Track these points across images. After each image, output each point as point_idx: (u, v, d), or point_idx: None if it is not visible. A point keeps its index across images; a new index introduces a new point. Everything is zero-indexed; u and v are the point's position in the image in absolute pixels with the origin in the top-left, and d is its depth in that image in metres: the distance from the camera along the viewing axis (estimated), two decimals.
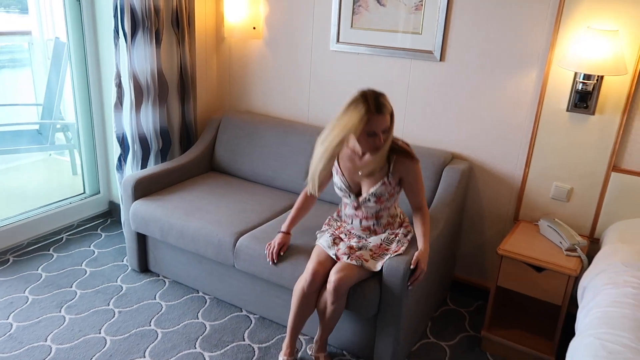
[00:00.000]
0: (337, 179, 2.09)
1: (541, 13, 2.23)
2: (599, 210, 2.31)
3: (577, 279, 2.02)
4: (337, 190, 2.13)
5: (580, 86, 2.14)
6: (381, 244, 2.07)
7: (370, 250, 2.05)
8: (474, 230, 2.68)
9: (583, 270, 2.04)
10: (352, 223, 2.15)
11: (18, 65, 4.71)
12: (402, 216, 2.19)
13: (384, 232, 2.12)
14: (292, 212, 2.24)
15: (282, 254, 2.17)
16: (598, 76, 2.11)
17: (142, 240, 2.72)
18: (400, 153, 1.99)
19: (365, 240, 2.10)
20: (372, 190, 2.01)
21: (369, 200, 2.03)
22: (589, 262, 2.03)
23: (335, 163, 2.09)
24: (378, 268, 2.00)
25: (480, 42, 2.40)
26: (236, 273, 2.43)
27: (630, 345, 1.36)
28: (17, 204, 3.40)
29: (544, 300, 2.16)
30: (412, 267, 1.95)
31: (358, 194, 2.07)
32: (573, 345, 1.51)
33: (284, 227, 2.22)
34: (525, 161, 2.43)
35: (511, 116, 2.42)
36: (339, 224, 2.22)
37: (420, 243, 2.03)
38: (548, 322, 2.34)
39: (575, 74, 2.16)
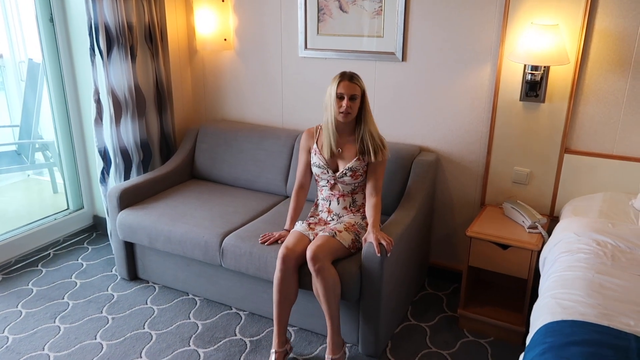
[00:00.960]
0: (316, 159, 2.33)
1: (490, 12, 2.43)
2: (556, 189, 2.51)
3: (539, 254, 2.21)
4: (315, 170, 2.35)
5: (529, 77, 2.34)
6: (354, 224, 2.27)
7: (345, 224, 2.25)
8: (445, 218, 2.85)
9: (544, 244, 2.22)
10: (330, 205, 2.35)
11: None
12: None
13: (359, 214, 2.33)
14: (290, 211, 2.42)
15: (279, 242, 2.33)
16: (544, 67, 2.31)
17: (129, 249, 2.82)
18: (375, 139, 2.26)
19: (340, 219, 2.32)
20: (349, 165, 2.26)
21: (345, 174, 2.27)
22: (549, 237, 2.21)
23: (315, 145, 2.34)
24: (348, 242, 2.19)
25: (437, 42, 2.58)
26: (224, 272, 2.54)
27: (582, 301, 1.54)
28: (0, 225, 3.44)
29: (512, 276, 2.34)
30: (378, 254, 2.10)
31: (335, 171, 2.31)
32: (535, 307, 1.69)
33: (286, 226, 2.41)
34: (486, 150, 2.62)
35: (471, 108, 2.61)
36: (316, 219, 2.38)
37: (370, 225, 2.20)
38: (517, 296, 2.53)
39: (525, 66, 2.35)
